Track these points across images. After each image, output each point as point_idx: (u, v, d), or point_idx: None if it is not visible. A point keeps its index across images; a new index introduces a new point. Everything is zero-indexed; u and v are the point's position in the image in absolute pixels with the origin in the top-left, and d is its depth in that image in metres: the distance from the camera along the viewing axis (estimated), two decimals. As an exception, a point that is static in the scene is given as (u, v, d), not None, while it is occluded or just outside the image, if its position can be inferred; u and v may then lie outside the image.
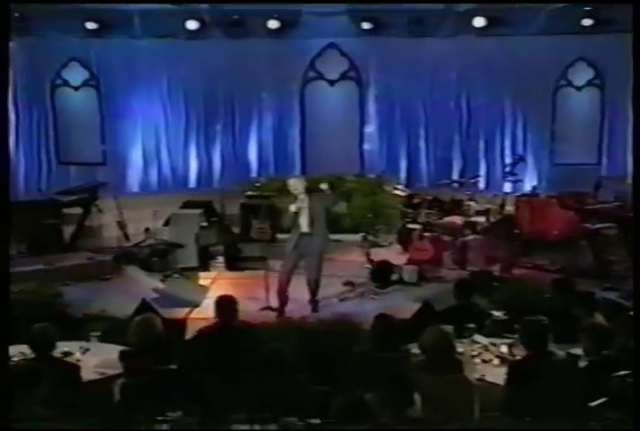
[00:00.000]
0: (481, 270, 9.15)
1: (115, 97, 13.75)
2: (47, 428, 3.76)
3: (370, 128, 13.83)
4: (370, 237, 10.39)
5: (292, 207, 7.84)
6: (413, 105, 13.75)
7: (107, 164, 13.80)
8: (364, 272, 9.31)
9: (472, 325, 5.78)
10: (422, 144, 13.82)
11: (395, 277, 9.22)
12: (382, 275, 9.18)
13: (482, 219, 10.88)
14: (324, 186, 7.92)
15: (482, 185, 12.91)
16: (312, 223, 7.84)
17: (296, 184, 7.96)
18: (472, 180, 11.70)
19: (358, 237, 10.50)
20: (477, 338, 5.74)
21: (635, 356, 4.50)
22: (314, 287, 8.12)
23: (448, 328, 5.05)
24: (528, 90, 13.25)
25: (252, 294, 8.46)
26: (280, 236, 9.61)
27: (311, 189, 8.14)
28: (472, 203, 11.03)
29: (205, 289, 8.94)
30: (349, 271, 9.54)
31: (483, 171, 13.56)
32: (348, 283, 9.13)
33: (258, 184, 11.90)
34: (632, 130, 8.27)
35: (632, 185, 7.46)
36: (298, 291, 8.22)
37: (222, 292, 6.44)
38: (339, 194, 11.91)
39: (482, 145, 13.72)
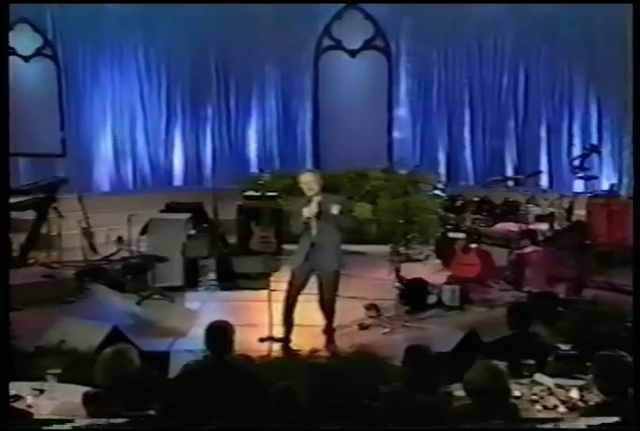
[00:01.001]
0: (543, 291, 9.16)
1: (77, 70, 13.82)
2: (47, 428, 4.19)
3: (401, 111, 13.84)
4: (401, 249, 10.37)
5: (306, 212, 7.71)
6: (456, 82, 13.71)
7: (68, 156, 13.88)
8: (393, 293, 9.30)
9: (531, 361, 5.76)
10: (466, 131, 13.87)
11: (432, 299, 9.31)
12: (416, 296, 9.24)
13: (544, 226, 10.91)
14: (335, 210, 7.68)
15: (544, 183, 12.88)
16: (323, 231, 7.78)
17: (310, 181, 7.82)
18: (531, 177, 11.68)
19: (385, 249, 10.36)
20: (538, 377, 5.67)
21: (634, 356, 4.77)
22: (328, 312, 8.07)
23: (501, 364, 5.03)
24: (604, 59, 13.15)
25: (251, 320, 8.49)
26: (287, 247, 9.67)
27: (327, 189, 8.15)
28: (531, 206, 10.97)
29: (193, 314, 9.03)
30: (373, 292, 9.60)
31: (545, 165, 13.53)
32: (372, 306, 9.15)
33: (260, 181, 11.93)
34: (632, 130, 8.35)
35: (632, 185, 7.26)
36: (309, 316, 8.24)
37: (214, 318, 6.36)
38: (362, 194, 12.45)
39: (543, 133, 13.70)
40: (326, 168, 12.79)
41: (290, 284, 7.91)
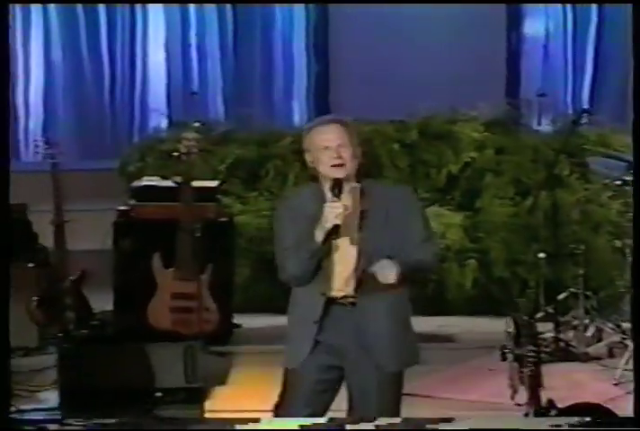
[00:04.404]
0: None
1: None
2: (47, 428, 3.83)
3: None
4: (542, 328, 5.23)
5: (334, 213, 3.52)
6: None
7: None
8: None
9: None
10: None
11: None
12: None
13: None
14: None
15: None
16: (363, 267, 3.64)
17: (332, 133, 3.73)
18: None
19: (500, 326, 4.56)
20: None
21: (634, 355, 4.63)
22: None
23: None
24: None
25: None
26: (251, 322, 6.01)
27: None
28: None
29: None
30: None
31: None
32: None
33: (178, 153, 5.85)
34: (632, 128, 6.95)
35: (632, 184, 5.32)
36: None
37: None
38: (440, 186, 7.01)
39: None
40: (347, 114, 5.68)
41: (285, 405, 3.77)
